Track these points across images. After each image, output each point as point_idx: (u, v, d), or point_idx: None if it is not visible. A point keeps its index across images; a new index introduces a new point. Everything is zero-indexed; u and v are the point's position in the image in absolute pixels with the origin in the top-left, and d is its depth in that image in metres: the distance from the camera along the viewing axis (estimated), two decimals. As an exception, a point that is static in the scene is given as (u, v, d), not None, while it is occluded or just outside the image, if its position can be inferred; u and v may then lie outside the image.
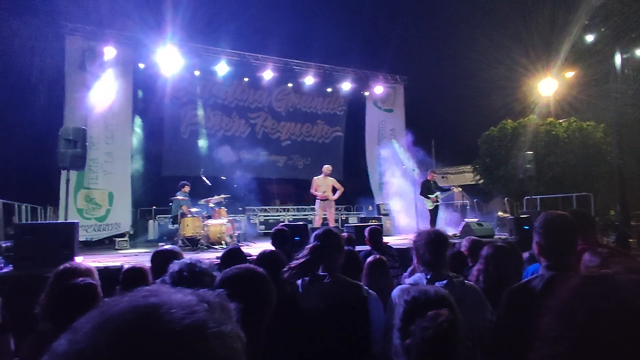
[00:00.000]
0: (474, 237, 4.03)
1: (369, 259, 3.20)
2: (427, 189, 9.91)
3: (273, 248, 3.83)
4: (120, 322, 0.47)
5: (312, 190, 9.43)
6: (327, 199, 9.42)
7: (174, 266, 1.87)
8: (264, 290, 1.56)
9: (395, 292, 2.29)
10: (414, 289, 1.44)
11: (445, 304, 1.36)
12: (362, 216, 13.62)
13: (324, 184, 9.38)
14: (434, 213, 9.91)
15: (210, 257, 6.14)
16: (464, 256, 3.85)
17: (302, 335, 2.07)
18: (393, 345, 1.37)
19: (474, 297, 2.21)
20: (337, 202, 14.01)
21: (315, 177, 9.54)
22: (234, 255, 3.23)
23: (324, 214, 9.58)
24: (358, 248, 4.89)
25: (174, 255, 2.52)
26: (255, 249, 7.15)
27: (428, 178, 10.10)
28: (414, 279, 2.29)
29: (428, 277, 2.24)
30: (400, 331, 1.34)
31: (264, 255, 2.71)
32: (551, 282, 1.77)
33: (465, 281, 2.40)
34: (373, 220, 10.30)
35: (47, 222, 8.70)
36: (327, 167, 9.57)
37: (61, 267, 2.33)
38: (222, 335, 0.50)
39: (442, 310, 1.29)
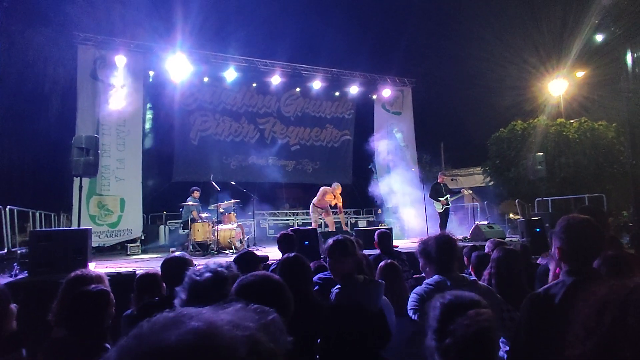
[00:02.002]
0: (498, 239, 4.03)
1: (381, 263, 3.18)
2: (437, 191, 9.85)
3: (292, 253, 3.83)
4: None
5: (320, 201, 9.23)
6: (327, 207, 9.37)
7: (195, 274, 1.79)
8: (281, 297, 1.56)
9: (415, 294, 2.30)
10: (449, 293, 1.42)
11: (482, 307, 1.36)
12: (371, 219, 13.60)
13: (332, 200, 9.23)
14: (444, 216, 9.85)
15: (220, 262, 6.19)
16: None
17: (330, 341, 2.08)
18: (427, 348, 1.36)
19: (488, 297, 2.22)
20: (346, 205, 14.08)
21: (328, 189, 9.30)
22: (248, 258, 3.25)
23: (321, 218, 9.44)
24: (366, 252, 4.89)
25: (183, 263, 2.54)
26: (265, 253, 7.18)
27: (438, 180, 10.04)
28: (434, 279, 2.30)
29: (444, 278, 2.26)
30: (437, 332, 1.32)
31: (287, 260, 2.70)
32: (572, 289, 1.73)
33: (479, 282, 2.41)
34: (382, 224, 10.27)
35: (61, 228, 8.84)
36: (339, 187, 9.37)
37: (72, 274, 2.37)
38: (271, 353, 0.51)
39: (482, 309, 1.29)
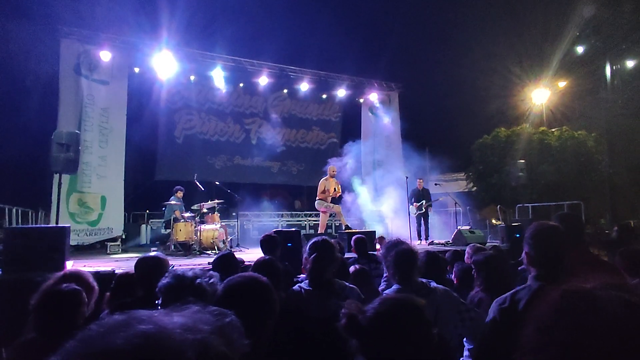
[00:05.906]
0: (477, 245, 4.06)
1: (351, 269, 3.25)
2: (413, 196, 10.07)
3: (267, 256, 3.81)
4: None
5: (321, 194, 9.00)
6: (335, 199, 9.19)
7: (168, 281, 1.76)
8: (267, 299, 1.54)
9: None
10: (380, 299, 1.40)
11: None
12: (355, 222, 13.63)
13: (331, 185, 9.06)
14: (420, 220, 10.06)
15: (202, 262, 6.13)
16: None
17: (306, 344, 2.07)
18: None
19: (447, 299, 2.30)
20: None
21: (323, 179, 9.23)
22: (226, 260, 3.23)
23: (330, 218, 9.45)
24: (348, 255, 4.91)
25: (158, 263, 2.47)
26: (248, 254, 7.15)
27: (417, 185, 10.25)
28: (393, 289, 2.35)
29: (403, 287, 2.30)
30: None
31: (262, 263, 2.68)
32: (538, 293, 1.78)
33: (439, 286, 2.45)
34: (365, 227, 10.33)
35: (38, 225, 8.63)
36: (333, 168, 9.29)
37: (67, 271, 2.30)
38: (224, 355, 0.50)
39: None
